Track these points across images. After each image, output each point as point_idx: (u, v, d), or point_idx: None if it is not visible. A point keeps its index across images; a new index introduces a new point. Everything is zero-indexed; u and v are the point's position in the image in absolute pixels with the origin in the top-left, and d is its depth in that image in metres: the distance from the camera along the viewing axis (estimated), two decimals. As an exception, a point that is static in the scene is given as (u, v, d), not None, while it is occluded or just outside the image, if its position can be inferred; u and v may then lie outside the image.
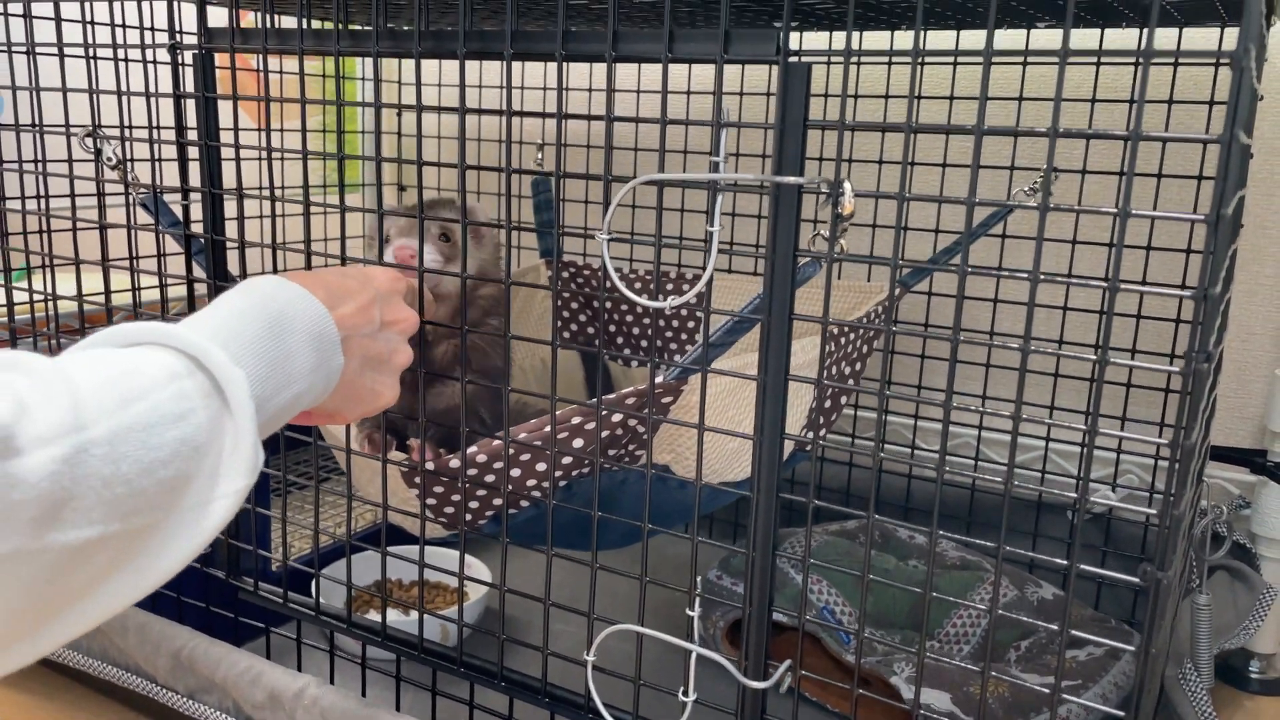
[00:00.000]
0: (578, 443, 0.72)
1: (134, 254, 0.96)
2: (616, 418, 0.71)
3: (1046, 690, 0.58)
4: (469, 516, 0.77)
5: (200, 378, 0.45)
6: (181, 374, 0.45)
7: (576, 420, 0.71)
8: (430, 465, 0.74)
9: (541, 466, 0.73)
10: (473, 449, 0.72)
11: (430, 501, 0.76)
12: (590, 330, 1.30)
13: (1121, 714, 0.54)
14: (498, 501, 0.76)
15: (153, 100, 0.94)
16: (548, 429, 0.70)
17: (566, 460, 0.74)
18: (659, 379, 0.70)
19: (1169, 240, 1.06)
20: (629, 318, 1.29)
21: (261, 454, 0.48)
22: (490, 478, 0.73)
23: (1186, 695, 0.80)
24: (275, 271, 0.83)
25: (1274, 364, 1.09)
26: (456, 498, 0.75)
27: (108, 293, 0.95)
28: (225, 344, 0.48)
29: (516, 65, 1.34)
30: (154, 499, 0.41)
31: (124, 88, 0.87)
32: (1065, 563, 0.56)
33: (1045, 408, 1.11)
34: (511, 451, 0.72)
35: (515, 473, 0.73)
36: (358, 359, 0.60)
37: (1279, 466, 1.05)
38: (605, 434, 0.73)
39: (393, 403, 0.64)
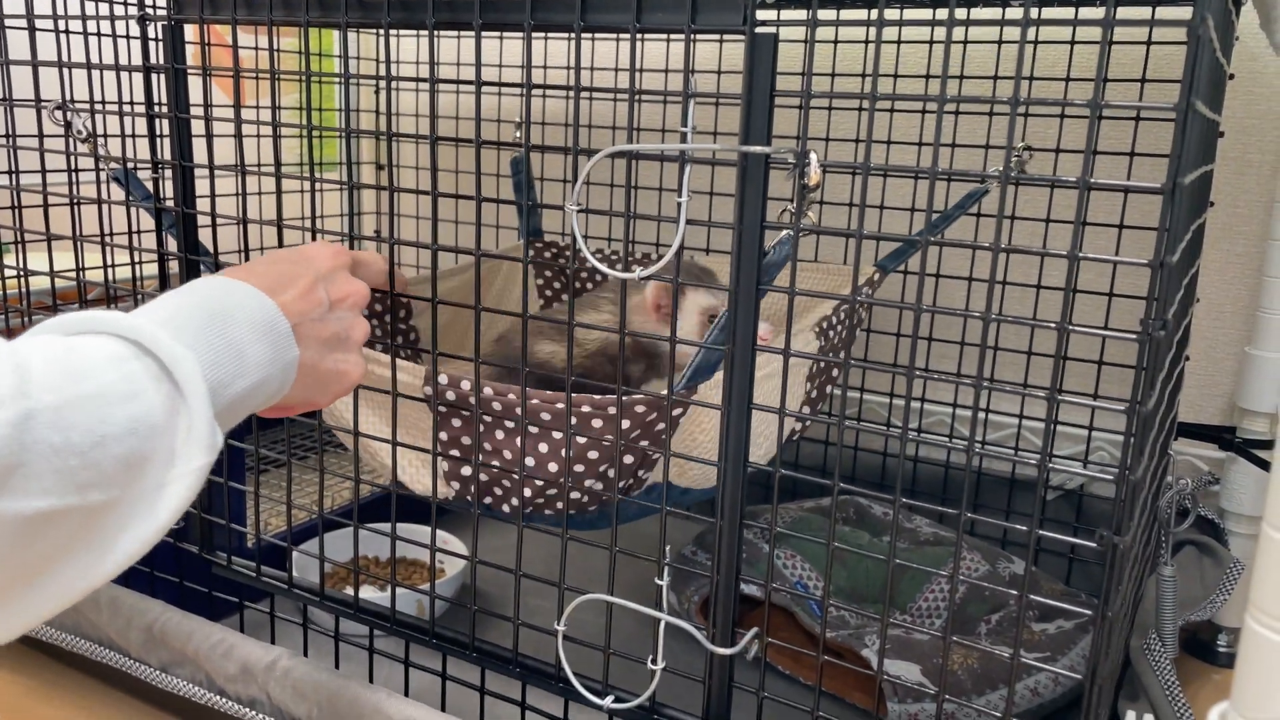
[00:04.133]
0: (590, 446, 0.72)
1: (106, 230, 0.96)
2: (626, 424, 0.71)
3: (1010, 658, 0.59)
4: (484, 478, 0.76)
5: (147, 361, 0.45)
6: (127, 357, 0.45)
7: (586, 409, 0.70)
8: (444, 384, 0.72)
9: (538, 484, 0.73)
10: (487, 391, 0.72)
11: (446, 467, 0.76)
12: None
13: (1079, 676, 0.55)
14: (526, 493, 0.76)
15: (124, 75, 0.93)
16: (559, 406, 0.69)
17: (577, 495, 0.74)
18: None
19: (1140, 219, 1.07)
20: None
21: (220, 434, 0.48)
22: (504, 444, 0.73)
23: (1150, 665, 0.81)
24: (247, 246, 0.83)
25: (1244, 341, 1.11)
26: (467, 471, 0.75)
27: (79, 269, 0.94)
28: (174, 333, 0.48)
29: (495, 44, 1.34)
30: (109, 474, 0.42)
31: (95, 61, 0.87)
32: (1026, 529, 0.56)
33: (1018, 385, 1.12)
34: (533, 431, 0.71)
35: (530, 462, 0.73)
36: (314, 345, 0.59)
37: (1248, 443, 1.06)
38: (620, 441, 0.72)
39: (361, 379, 0.64)
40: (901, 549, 1.12)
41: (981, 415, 1.20)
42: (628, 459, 0.73)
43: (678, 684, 0.67)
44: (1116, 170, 1.08)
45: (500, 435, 0.73)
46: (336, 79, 1.48)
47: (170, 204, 0.83)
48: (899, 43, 1.17)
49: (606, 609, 0.68)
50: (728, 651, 0.64)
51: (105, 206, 0.93)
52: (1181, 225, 0.55)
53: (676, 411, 0.72)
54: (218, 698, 0.80)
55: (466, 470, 0.76)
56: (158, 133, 0.84)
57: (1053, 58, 1.13)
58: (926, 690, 0.84)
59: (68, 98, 0.87)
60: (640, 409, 0.69)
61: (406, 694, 0.77)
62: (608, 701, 0.68)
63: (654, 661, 0.66)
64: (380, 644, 0.83)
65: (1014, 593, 0.58)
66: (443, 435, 0.74)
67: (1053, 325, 0.54)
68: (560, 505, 0.75)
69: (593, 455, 0.71)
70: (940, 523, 1.17)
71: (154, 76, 0.82)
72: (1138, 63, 1.05)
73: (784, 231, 0.64)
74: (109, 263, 0.96)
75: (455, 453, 0.75)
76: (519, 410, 0.70)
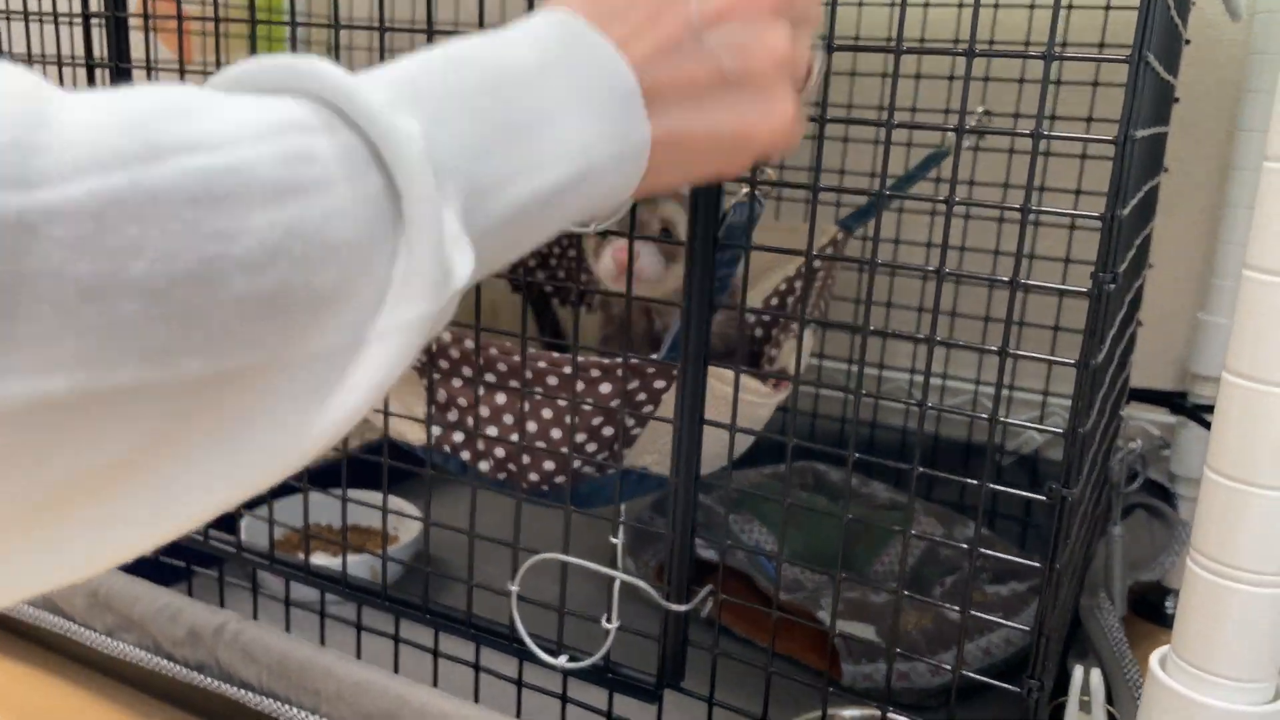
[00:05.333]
0: (568, 409, 0.71)
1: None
2: (608, 388, 0.70)
3: (968, 618, 0.59)
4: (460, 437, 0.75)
5: (347, 137, 0.28)
6: (309, 127, 0.27)
7: (568, 370, 0.69)
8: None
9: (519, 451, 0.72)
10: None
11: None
12: (540, 274, 1.29)
13: (1026, 628, 0.55)
14: (500, 454, 0.75)
15: (62, 24, 0.90)
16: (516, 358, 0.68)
17: (549, 465, 0.73)
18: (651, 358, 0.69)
19: (1098, 186, 1.08)
20: (571, 253, 1.27)
21: (466, 264, 0.29)
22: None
23: (1099, 622, 0.83)
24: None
25: (1196, 307, 1.12)
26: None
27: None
28: (408, 97, 0.29)
29: (451, 1, 1.31)
30: (224, 330, 0.24)
31: (32, 10, 0.83)
32: (978, 483, 0.57)
33: (971, 342, 1.13)
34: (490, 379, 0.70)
35: (508, 420, 0.71)
36: (677, 104, 0.36)
37: (1199, 407, 1.08)
38: (599, 421, 0.71)
39: (790, 125, 0.40)
40: (858, 513, 1.12)
41: (937, 381, 1.21)
42: (607, 430, 0.73)
43: (633, 647, 0.67)
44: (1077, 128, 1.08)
45: (481, 392, 0.73)
46: (286, 25, 1.44)
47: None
48: (860, 5, 1.17)
49: (561, 570, 0.67)
50: (682, 608, 0.64)
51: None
52: (1133, 181, 0.55)
53: (660, 384, 0.71)
54: (165, 662, 0.78)
55: (452, 417, 0.75)
56: (98, 87, 0.82)
57: (1013, 22, 1.13)
58: (879, 647, 0.85)
59: (2, 48, 0.84)
60: (621, 373, 0.69)
61: (359, 658, 0.76)
62: (561, 661, 0.68)
63: (608, 620, 0.66)
64: (332, 610, 0.82)
65: (965, 546, 0.58)
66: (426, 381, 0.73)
67: (1005, 281, 0.54)
68: (534, 477, 0.74)
69: (570, 419, 0.71)
70: (897, 488, 1.18)
71: (93, 25, 0.79)
72: (1096, 29, 1.05)
73: (742, 190, 0.64)
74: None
75: (442, 397, 0.74)
76: (501, 366, 0.70)
